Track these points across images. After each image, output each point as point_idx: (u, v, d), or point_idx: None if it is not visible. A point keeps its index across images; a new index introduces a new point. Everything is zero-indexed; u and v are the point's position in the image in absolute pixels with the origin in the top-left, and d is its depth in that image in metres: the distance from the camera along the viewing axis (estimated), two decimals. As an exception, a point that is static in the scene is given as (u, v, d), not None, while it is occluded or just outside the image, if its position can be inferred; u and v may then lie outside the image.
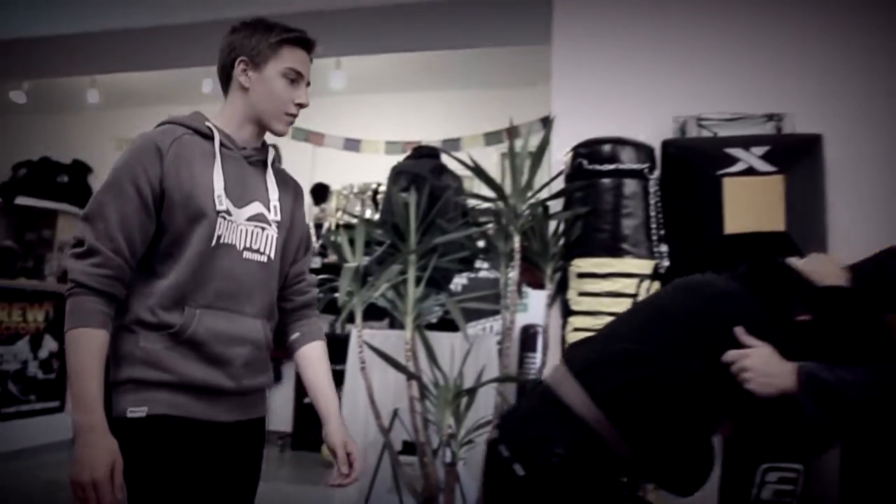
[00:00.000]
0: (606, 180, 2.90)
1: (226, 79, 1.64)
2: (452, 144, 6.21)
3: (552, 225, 3.04)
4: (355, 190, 6.84)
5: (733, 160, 2.98)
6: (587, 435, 1.55)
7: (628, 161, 2.92)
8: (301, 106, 1.63)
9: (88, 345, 1.42)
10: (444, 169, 3.59)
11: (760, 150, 2.98)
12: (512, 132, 3.68)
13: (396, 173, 3.56)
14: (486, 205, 3.11)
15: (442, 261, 3.08)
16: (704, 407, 1.61)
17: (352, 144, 6.40)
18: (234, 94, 1.62)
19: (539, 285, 3.22)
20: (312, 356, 1.74)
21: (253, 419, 1.67)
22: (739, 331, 1.56)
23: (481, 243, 3.23)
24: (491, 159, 5.94)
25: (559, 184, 3.13)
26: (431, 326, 3.47)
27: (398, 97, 6.81)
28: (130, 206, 1.48)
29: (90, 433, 1.39)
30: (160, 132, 1.56)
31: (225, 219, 1.54)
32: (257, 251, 1.60)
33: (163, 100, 6.88)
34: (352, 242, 3.05)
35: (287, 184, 1.73)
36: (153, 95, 6.88)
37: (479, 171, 2.92)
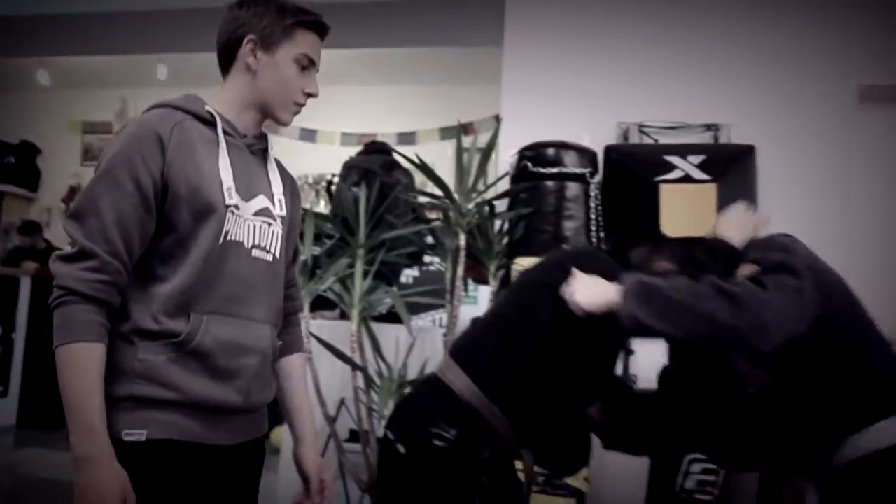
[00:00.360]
0: (550, 183, 3.02)
1: (228, 57, 1.46)
2: (408, 138, 6.29)
3: (497, 224, 3.15)
4: (310, 181, 6.87)
5: (671, 167, 3.13)
6: (468, 414, 1.62)
7: (571, 165, 3.04)
8: (311, 96, 1.49)
9: (87, 362, 1.25)
10: (395, 165, 3.66)
11: (697, 159, 3.14)
12: (462, 130, 3.77)
13: (347, 168, 3.62)
14: (434, 201, 3.20)
15: (390, 255, 3.16)
16: (566, 369, 1.65)
17: (307, 135, 6.43)
18: (238, 75, 1.46)
19: (483, 281, 3.33)
20: (291, 370, 1.61)
21: (256, 438, 1.51)
22: (575, 269, 1.62)
23: (429, 239, 3.31)
24: (446, 153, 6.04)
25: (505, 184, 3.24)
26: (381, 317, 3.55)
27: (355, 90, 6.85)
28: (128, 202, 1.30)
29: (96, 465, 1.22)
30: (157, 117, 1.37)
31: (234, 213, 1.38)
32: (264, 249, 1.44)
33: (117, 83, 6.81)
34: (301, 235, 3.11)
35: (286, 177, 1.57)
36: (107, 79, 6.80)
37: (426, 170, 3.00)
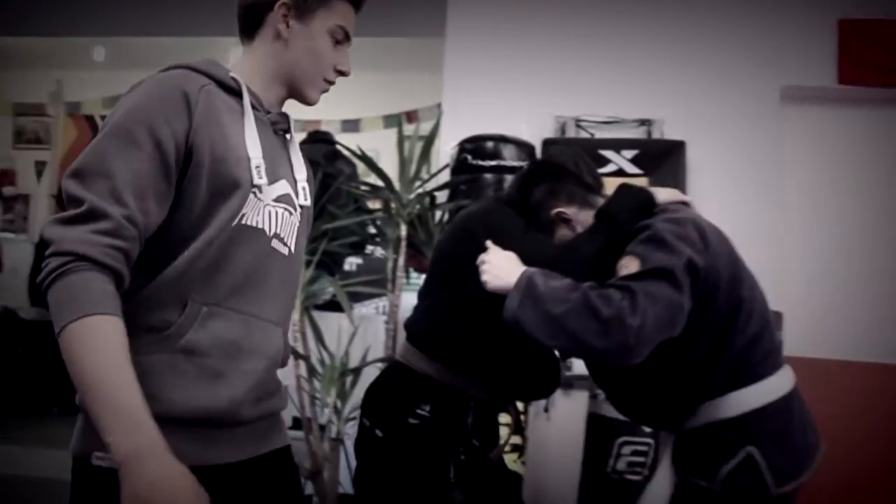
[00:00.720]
0: (489, 175, 3.11)
1: (253, 22, 1.28)
2: (352, 125, 6.28)
3: (437, 214, 3.22)
4: (253, 167, 6.79)
5: (605, 161, 3.25)
6: (437, 389, 1.71)
7: (510, 158, 3.13)
8: (342, 73, 1.33)
9: (112, 338, 0.99)
10: (337, 154, 3.69)
11: (630, 154, 3.27)
12: (405, 117, 3.82)
13: (291, 158, 3.63)
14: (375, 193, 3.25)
15: (332, 245, 3.20)
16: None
17: (251, 121, 6.35)
18: (265, 44, 1.27)
19: (424, 270, 3.39)
20: None
21: (272, 452, 1.28)
22: (489, 242, 1.65)
23: (371, 229, 3.36)
24: (390, 141, 6.06)
25: (446, 176, 3.31)
26: (323, 306, 3.58)
27: (299, 76, 6.78)
28: (146, 165, 1.07)
29: (152, 461, 0.96)
30: (181, 76, 1.17)
31: (255, 195, 1.17)
32: (282, 241, 1.24)
33: (51, 65, 6.60)
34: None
35: (307, 165, 1.38)
36: (41, 60, 6.58)
37: (368, 161, 3.05)
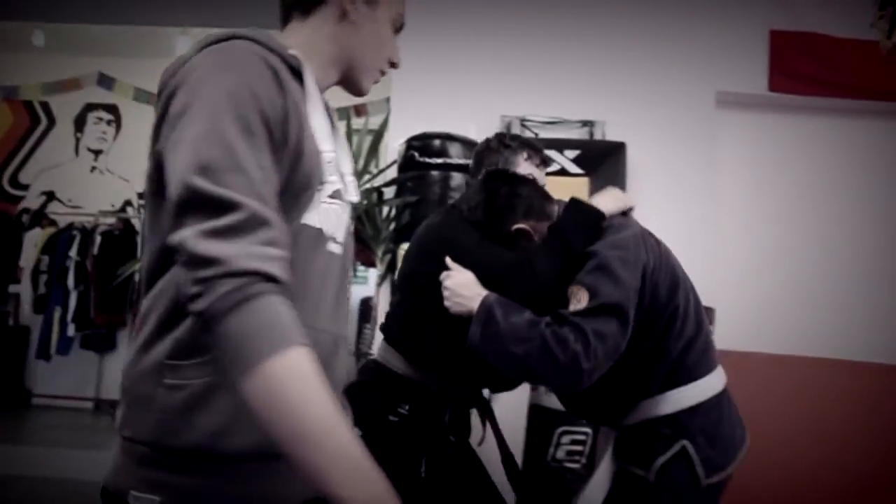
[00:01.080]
0: (435, 173, 3.16)
1: None
2: (301, 118, 6.25)
3: (385, 210, 3.27)
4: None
5: (549, 161, 3.33)
6: (415, 389, 1.77)
7: (456, 156, 3.19)
8: (393, 66, 1.21)
9: (318, 375, 0.85)
10: (286, 148, 3.69)
11: (572, 154, 3.36)
12: (354, 111, 3.84)
13: (238, 151, 3.62)
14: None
15: (280, 239, 3.22)
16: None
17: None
18: (326, 23, 1.11)
19: (371, 264, 3.44)
20: None
21: None
22: (448, 260, 1.70)
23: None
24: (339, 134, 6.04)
25: (393, 172, 3.35)
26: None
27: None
28: (267, 157, 0.92)
29: None
30: (256, 49, 0.98)
31: (318, 192, 1.02)
32: (336, 241, 1.07)
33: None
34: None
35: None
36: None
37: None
